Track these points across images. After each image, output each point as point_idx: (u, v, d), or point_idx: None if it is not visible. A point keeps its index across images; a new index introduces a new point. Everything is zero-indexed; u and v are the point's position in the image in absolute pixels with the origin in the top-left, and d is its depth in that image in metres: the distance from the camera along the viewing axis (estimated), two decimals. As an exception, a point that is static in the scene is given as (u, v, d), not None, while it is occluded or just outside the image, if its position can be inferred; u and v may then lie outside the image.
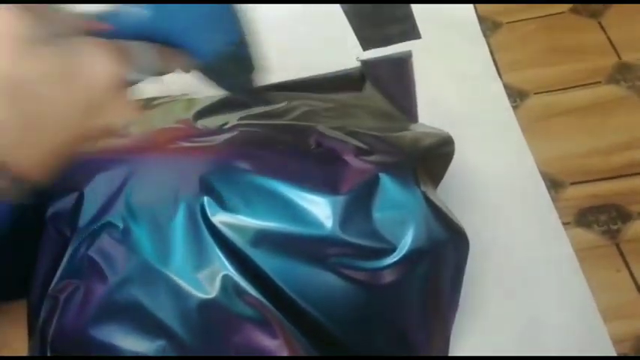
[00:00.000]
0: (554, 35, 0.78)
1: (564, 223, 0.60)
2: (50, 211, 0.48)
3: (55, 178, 0.48)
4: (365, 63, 0.76)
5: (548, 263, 0.58)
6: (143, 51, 0.34)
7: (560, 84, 0.72)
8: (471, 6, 0.83)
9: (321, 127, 0.52)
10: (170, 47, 0.36)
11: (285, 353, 0.46)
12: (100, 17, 0.32)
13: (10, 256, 0.57)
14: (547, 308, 0.56)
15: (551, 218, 0.61)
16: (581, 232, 0.60)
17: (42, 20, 0.26)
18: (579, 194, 0.62)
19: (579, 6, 0.80)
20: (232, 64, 0.40)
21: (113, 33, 0.32)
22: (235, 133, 0.51)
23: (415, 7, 0.84)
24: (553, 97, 0.72)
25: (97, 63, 0.27)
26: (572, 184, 0.63)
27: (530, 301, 0.56)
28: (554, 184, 0.64)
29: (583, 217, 0.61)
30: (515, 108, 0.72)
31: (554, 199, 0.62)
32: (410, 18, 0.83)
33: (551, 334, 0.55)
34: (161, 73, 0.38)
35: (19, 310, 0.55)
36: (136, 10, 0.33)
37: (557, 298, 0.56)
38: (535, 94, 0.73)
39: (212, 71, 0.40)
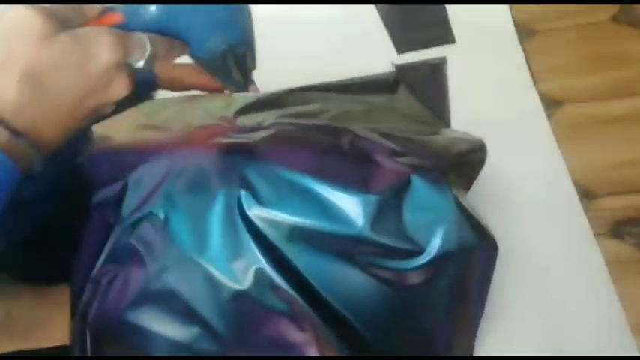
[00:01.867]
0: (593, 44, 0.77)
1: (596, 234, 0.60)
2: (96, 198, 0.51)
3: (98, 166, 0.51)
4: (400, 67, 0.77)
5: (578, 274, 0.58)
6: (147, 40, 0.37)
7: (597, 93, 0.72)
8: (507, 12, 0.83)
9: (354, 128, 0.53)
10: (174, 40, 0.40)
11: (312, 347, 0.47)
12: (114, 10, 0.36)
13: (54, 241, 0.60)
14: (575, 319, 0.56)
15: (583, 229, 0.61)
16: (613, 244, 0.59)
17: (56, 14, 0.32)
18: (613, 206, 0.62)
19: (620, 15, 0.79)
20: (229, 61, 0.43)
21: (124, 25, 0.36)
22: (272, 131, 0.53)
23: (451, 12, 0.84)
24: (589, 107, 0.71)
25: (103, 49, 0.32)
26: (606, 195, 0.63)
27: (559, 311, 0.56)
28: (587, 195, 0.63)
29: (616, 229, 0.60)
30: (549, 116, 0.71)
31: (586, 210, 0.62)
32: (445, 23, 0.83)
33: (578, 345, 0.54)
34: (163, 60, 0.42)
35: (62, 293, 0.58)
36: (146, 7, 0.37)
37: (586, 309, 0.56)
38: (570, 102, 0.72)
39: (209, 66, 0.44)
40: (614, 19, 0.79)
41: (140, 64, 0.37)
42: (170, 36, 0.39)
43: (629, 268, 0.57)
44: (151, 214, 0.50)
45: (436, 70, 0.77)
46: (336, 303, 0.48)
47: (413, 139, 0.54)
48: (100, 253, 0.51)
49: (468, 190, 0.55)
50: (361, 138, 0.53)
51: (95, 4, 0.35)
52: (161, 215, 0.50)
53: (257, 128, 0.55)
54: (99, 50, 0.32)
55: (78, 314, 0.52)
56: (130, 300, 0.49)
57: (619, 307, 0.55)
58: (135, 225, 0.50)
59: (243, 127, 0.55)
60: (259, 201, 0.48)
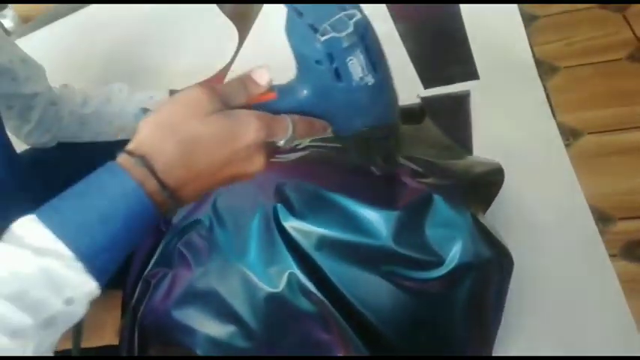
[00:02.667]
0: (610, 80, 0.81)
1: (611, 255, 0.63)
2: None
3: None
4: (425, 99, 0.83)
5: (593, 293, 0.61)
6: (290, 125, 0.39)
7: (612, 125, 0.76)
8: (528, 50, 0.88)
9: (382, 151, 0.59)
10: (316, 120, 0.42)
11: (337, 347, 0.51)
12: (271, 88, 0.40)
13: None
14: (589, 337, 0.58)
15: (598, 250, 0.64)
16: (627, 265, 0.62)
17: (224, 92, 0.38)
18: (627, 229, 0.65)
19: (636, 53, 0.83)
20: (369, 141, 0.43)
21: (276, 103, 0.40)
22: (307, 152, 0.59)
23: (475, 50, 0.90)
24: (605, 138, 0.75)
25: (248, 131, 0.37)
26: (621, 219, 0.66)
27: (573, 328, 0.59)
28: (602, 218, 0.66)
29: (630, 251, 0.63)
30: (567, 146, 0.75)
31: (601, 232, 0.65)
32: (470, 60, 0.89)
33: (592, 360, 0.57)
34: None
35: (114, 298, 0.64)
36: (298, 88, 0.40)
37: (600, 327, 0.58)
38: (588, 133, 0.76)
39: (350, 143, 0.44)
40: (631, 57, 0.83)
41: (281, 143, 0.40)
42: (316, 116, 0.41)
43: (642, 288, 0.60)
44: (198, 222, 0.56)
45: (460, 103, 0.82)
46: (361, 307, 0.52)
47: (435, 162, 0.59)
48: (151, 257, 0.57)
49: (486, 209, 0.59)
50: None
51: (261, 84, 0.39)
52: (207, 224, 0.56)
53: (294, 150, 0.61)
54: (246, 131, 0.36)
55: (129, 311, 0.58)
56: (175, 299, 0.55)
57: (633, 325, 0.57)
58: (183, 232, 0.56)
59: (282, 149, 0.61)
60: (293, 213, 0.53)
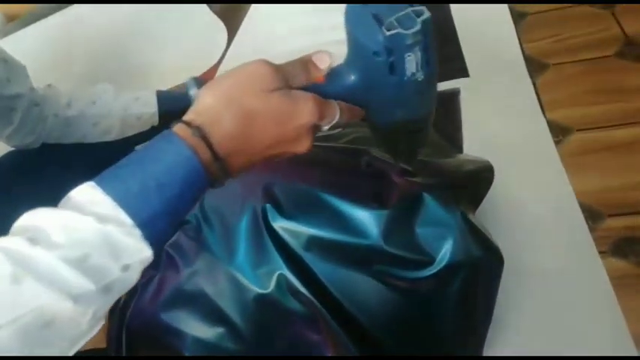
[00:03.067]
0: (599, 77, 0.82)
1: (600, 252, 0.63)
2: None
3: None
4: None
5: (583, 290, 0.61)
6: (337, 111, 0.40)
7: (603, 122, 0.76)
8: (518, 47, 0.89)
9: (371, 150, 0.58)
10: (357, 108, 0.42)
11: (327, 347, 0.51)
12: (328, 68, 0.39)
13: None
14: (579, 334, 0.58)
15: (588, 247, 0.64)
16: (617, 262, 0.62)
17: (285, 70, 0.38)
18: (616, 226, 0.65)
19: (625, 50, 0.83)
20: (400, 134, 0.43)
21: (322, 86, 0.39)
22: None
23: (464, 48, 0.90)
24: (595, 134, 0.75)
25: (304, 112, 0.37)
26: (610, 216, 0.66)
27: (563, 326, 0.59)
28: (591, 215, 0.66)
29: (619, 248, 0.63)
30: (557, 143, 0.75)
31: (591, 230, 0.65)
32: (459, 57, 0.89)
33: (582, 356, 0.57)
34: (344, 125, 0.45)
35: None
36: (346, 74, 0.39)
37: (590, 325, 0.58)
38: (578, 130, 0.76)
39: (381, 134, 0.45)
40: (619, 54, 0.83)
41: (325, 128, 0.40)
42: (359, 104, 0.41)
43: (632, 285, 0.60)
44: (186, 222, 0.55)
45: (450, 100, 0.81)
46: (351, 308, 0.52)
47: (425, 161, 0.59)
48: (138, 258, 0.56)
49: (476, 208, 0.59)
50: (377, 158, 0.57)
51: (321, 67, 0.39)
52: (195, 224, 0.55)
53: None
54: (302, 113, 0.37)
55: (116, 313, 0.57)
56: (163, 301, 0.54)
57: (622, 321, 0.57)
58: (171, 233, 0.56)
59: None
60: (282, 213, 0.53)
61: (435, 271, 0.51)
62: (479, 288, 0.54)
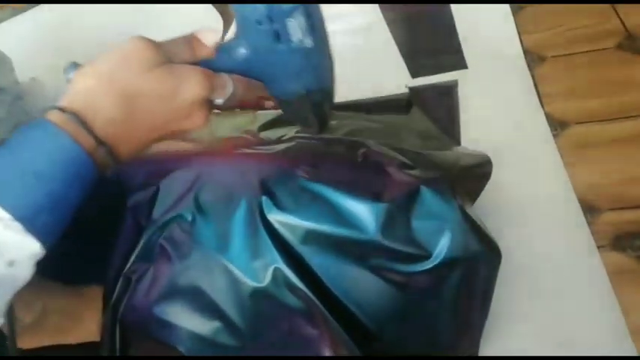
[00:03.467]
0: (599, 70, 0.81)
1: (599, 247, 0.63)
2: (131, 201, 0.56)
3: (133, 172, 0.55)
4: (413, 89, 0.82)
5: (582, 284, 0.61)
6: (230, 83, 0.40)
7: (602, 115, 0.75)
8: (516, 39, 0.88)
9: (368, 142, 0.58)
10: (254, 81, 0.42)
11: (324, 343, 0.50)
12: (216, 45, 0.40)
13: (89, 243, 0.65)
14: (578, 327, 0.58)
15: (586, 241, 0.64)
16: (616, 256, 0.62)
17: (166, 49, 0.37)
18: (615, 220, 0.65)
19: (625, 43, 0.82)
20: (305, 105, 0.44)
21: (213, 61, 0.39)
22: (292, 143, 0.58)
23: (463, 39, 0.89)
24: (594, 128, 0.74)
25: (192, 86, 0.36)
26: (609, 210, 0.66)
27: (562, 319, 0.59)
28: (590, 209, 0.66)
29: (618, 242, 0.63)
30: (555, 136, 0.75)
31: (589, 224, 0.65)
32: (458, 49, 0.88)
33: (579, 352, 0.56)
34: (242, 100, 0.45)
35: (94, 293, 0.62)
36: (237, 47, 0.39)
37: (589, 318, 0.58)
38: (576, 123, 0.75)
39: (287, 107, 0.46)
40: (619, 47, 0.82)
41: (219, 101, 0.41)
42: (253, 78, 0.41)
43: (630, 279, 0.60)
44: (180, 216, 0.54)
45: (447, 92, 0.81)
46: (348, 302, 0.51)
47: (423, 153, 0.58)
48: (131, 252, 0.55)
49: (474, 202, 0.59)
50: (374, 151, 0.57)
51: (207, 44, 0.39)
52: (189, 218, 0.54)
53: (279, 141, 0.59)
54: (188, 86, 0.36)
55: (109, 308, 0.56)
56: (157, 295, 0.53)
57: (620, 315, 0.57)
58: (164, 226, 0.55)
59: (266, 140, 0.59)
60: (278, 206, 0.52)
61: (432, 265, 0.50)
62: (476, 282, 0.54)
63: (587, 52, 0.84)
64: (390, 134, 0.65)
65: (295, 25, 0.37)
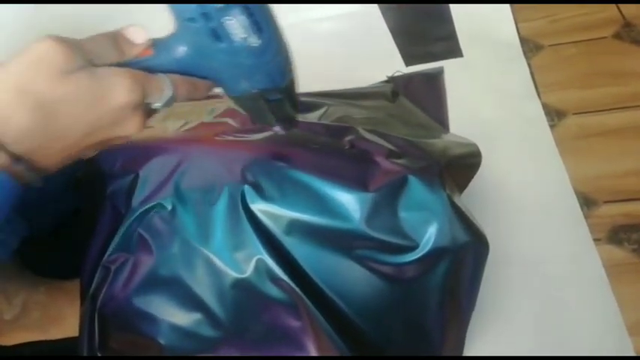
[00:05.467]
0: (596, 59, 0.79)
1: (595, 240, 0.61)
2: (109, 189, 0.54)
3: (112, 159, 0.53)
4: (398, 78, 0.80)
5: (578, 277, 0.59)
6: (168, 84, 0.37)
7: (599, 106, 0.73)
8: (513, 27, 0.86)
9: (356, 129, 0.56)
10: (198, 81, 0.39)
11: (307, 334, 0.49)
12: (147, 45, 0.37)
13: (69, 237, 0.63)
14: (573, 321, 0.56)
15: (582, 234, 0.62)
16: (612, 249, 0.60)
17: (86, 49, 0.33)
18: (612, 212, 0.63)
19: (622, 32, 0.80)
20: (260, 104, 0.42)
21: (151, 59, 0.36)
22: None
23: (458, 27, 0.87)
24: (591, 118, 0.73)
25: (119, 90, 0.33)
26: (606, 202, 0.64)
27: (556, 313, 0.57)
28: (587, 202, 0.64)
29: (614, 235, 0.61)
30: (552, 127, 0.73)
31: (586, 216, 0.63)
32: (453, 37, 0.86)
33: (576, 346, 0.55)
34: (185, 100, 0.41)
35: (75, 288, 0.61)
36: (175, 45, 0.37)
37: (585, 311, 0.57)
38: (573, 114, 0.74)
39: (242, 105, 0.43)
40: (617, 36, 0.81)
41: (157, 105, 0.37)
42: (197, 76, 0.39)
43: (627, 272, 0.58)
44: (160, 205, 0.53)
45: (434, 79, 0.79)
46: (332, 294, 0.50)
47: (411, 141, 0.57)
48: (110, 242, 0.54)
49: (462, 192, 0.57)
50: (361, 139, 0.55)
51: (136, 43, 0.35)
52: (169, 206, 0.52)
53: (262, 129, 0.58)
54: (115, 90, 0.33)
55: (87, 299, 0.54)
56: (137, 286, 0.52)
57: (616, 308, 0.55)
58: (144, 215, 0.53)
59: (249, 127, 0.58)
60: (262, 196, 0.50)
61: (418, 256, 0.49)
62: (463, 273, 0.52)
63: (584, 41, 0.82)
64: (379, 121, 0.63)
65: (236, 24, 0.35)
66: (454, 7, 0.90)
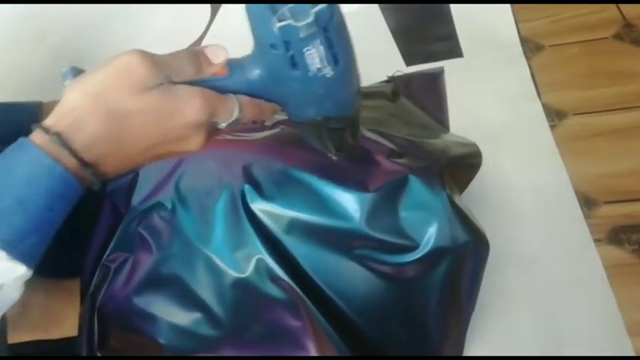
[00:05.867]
0: (596, 59, 0.79)
1: (595, 240, 0.61)
2: (109, 188, 0.54)
3: None
4: (398, 78, 0.80)
5: (578, 277, 0.59)
6: (236, 107, 0.37)
7: (600, 106, 0.73)
8: (513, 28, 0.86)
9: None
10: (265, 104, 0.39)
11: (307, 334, 0.49)
12: (223, 64, 0.37)
13: (69, 236, 0.63)
14: (573, 321, 0.56)
15: (583, 234, 0.62)
16: (612, 250, 0.60)
17: (161, 66, 0.34)
18: (612, 213, 0.63)
19: (623, 32, 0.80)
20: (322, 131, 0.41)
21: (224, 80, 0.37)
22: (277, 130, 0.56)
23: (459, 27, 0.87)
24: (591, 119, 0.73)
25: (189, 110, 0.34)
26: (606, 202, 0.64)
27: (556, 313, 0.57)
28: (587, 202, 0.64)
29: (615, 236, 0.61)
30: (552, 127, 0.73)
31: (586, 217, 0.63)
32: (453, 37, 0.86)
33: (575, 346, 0.55)
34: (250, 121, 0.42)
35: (75, 287, 0.61)
36: (251, 67, 0.37)
37: (584, 312, 0.57)
38: (574, 114, 0.74)
39: (304, 129, 0.43)
40: (617, 36, 0.80)
41: (223, 125, 0.37)
42: (265, 99, 0.39)
43: (627, 273, 0.58)
44: (160, 204, 0.53)
45: (434, 79, 0.79)
46: (332, 293, 0.50)
47: (412, 141, 0.56)
48: (110, 240, 0.54)
49: (462, 192, 0.57)
50: (362, 138, 0.55)
51: (216, 62, 0.36)
52: (169, 206, 0.52)
53: (262, 128, 0.57)
54: (185, 110, 0.34)
55: (87, 297, 0.54)
56: (136, 285, 0.52)
57: (616, 309, 0.55)
58: (144, 214, 0.53)
59: (250, 126, 0.58)
60: (262, 195, 0.50)
61: (419, 255, 0.49)
62: (463, 273, 0.52)
63: (585, 41, 0.82)
64: (379, 121, 0.63)
65: (314, 54, 0.35)
66: (454, 7, 0.90)
